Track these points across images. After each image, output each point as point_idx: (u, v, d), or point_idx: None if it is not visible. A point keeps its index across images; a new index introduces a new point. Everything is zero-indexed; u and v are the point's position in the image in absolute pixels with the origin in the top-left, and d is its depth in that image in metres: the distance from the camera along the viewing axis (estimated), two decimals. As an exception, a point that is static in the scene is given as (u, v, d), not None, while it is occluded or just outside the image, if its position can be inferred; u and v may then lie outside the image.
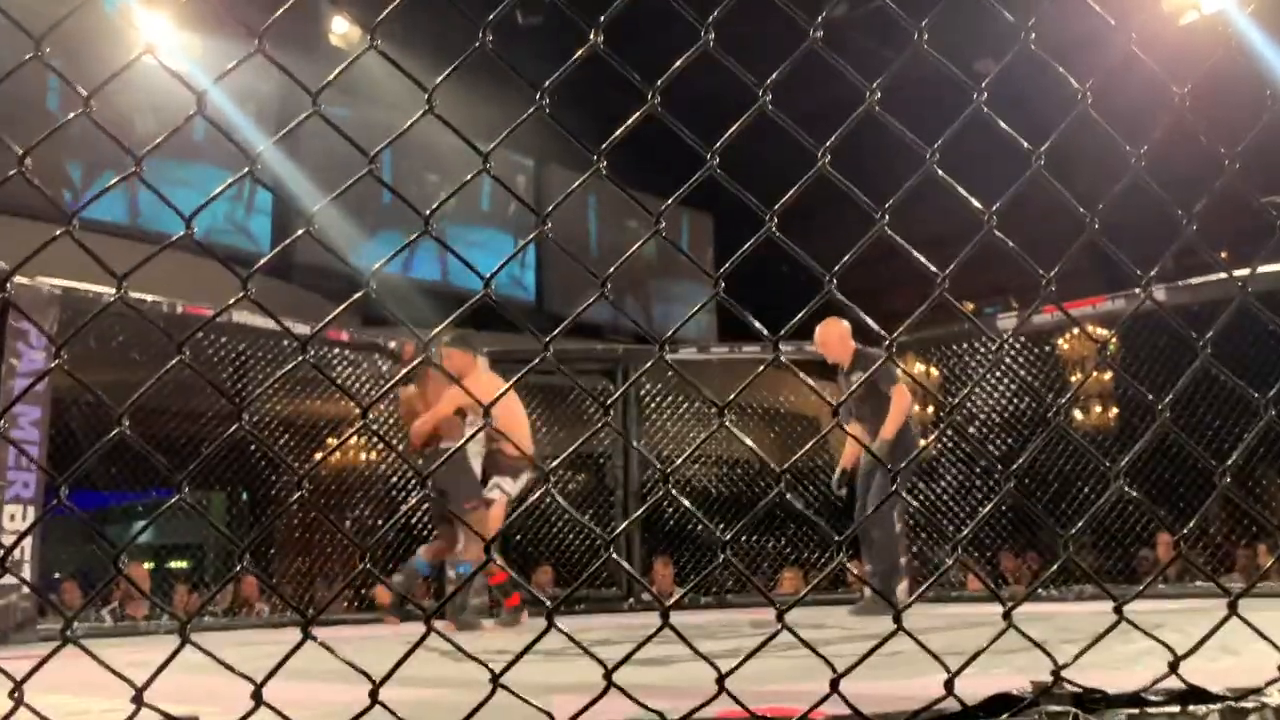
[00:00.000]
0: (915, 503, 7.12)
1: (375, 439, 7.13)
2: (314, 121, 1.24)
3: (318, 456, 6.91)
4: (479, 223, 13.88)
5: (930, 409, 7.76)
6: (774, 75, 1.30)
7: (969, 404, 7.11)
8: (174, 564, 11.26)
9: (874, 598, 4.91)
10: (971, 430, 7.11)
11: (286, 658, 1.10)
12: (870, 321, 1.34)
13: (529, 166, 14.35)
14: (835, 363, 5.48)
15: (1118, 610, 1.31)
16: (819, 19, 1.31)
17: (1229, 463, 1.45)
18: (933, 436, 7.67)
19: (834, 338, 5.38)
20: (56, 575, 7.93)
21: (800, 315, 1.38)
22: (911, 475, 5.38)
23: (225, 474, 7.28)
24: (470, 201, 13.56)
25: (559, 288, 14.48)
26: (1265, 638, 1.36)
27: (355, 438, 7.49)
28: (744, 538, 7.98)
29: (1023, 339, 7.01)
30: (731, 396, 1.31)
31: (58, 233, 1.13)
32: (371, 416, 1.20)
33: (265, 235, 11.88)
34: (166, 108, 9.33)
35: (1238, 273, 1.62)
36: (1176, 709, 1.24)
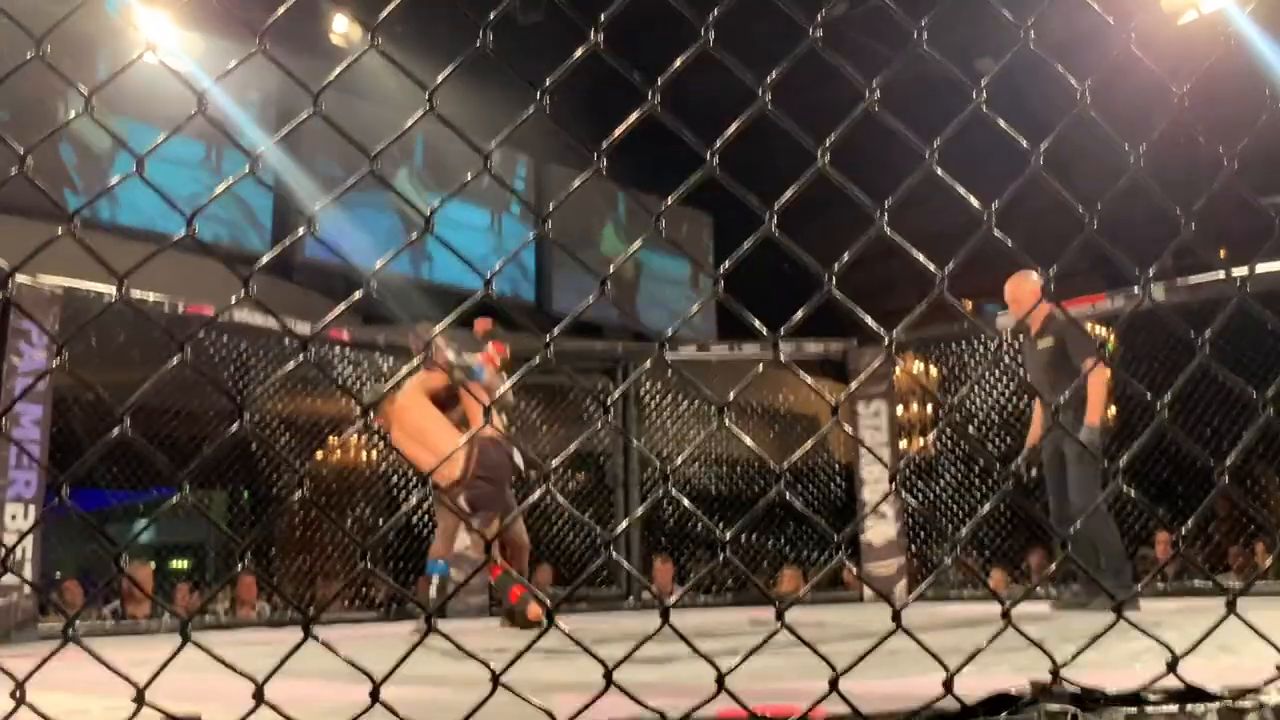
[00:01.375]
0: (914, 501, 7.14)
1: (376, 438, 7.14)
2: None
3: (319, 455, 6.92)
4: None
5: (930, 408, 7.77)
6: (774, 74, 1.30)
7: (968, 402, 7.12)
8: (175, 563, 11.27)
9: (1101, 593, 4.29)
10: (971, 429, 7.11)
11: (288, 657, 1.10)
12: (869, 320, 1.35)
13: (520, 158, 14.27)
14: (1023, 324, 4.83)
15: (1116, 609, 1.31)
16: (818, 18, 1.32)
17: (1228, 461, 1.45)
18: (930, 435, 7.67)
19: (1026, 293, 4.63)
20: (58, 574, 7.93)
21: (799, 314, 1.38)
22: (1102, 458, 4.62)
23: (226, 473, 7.29)
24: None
25: (557, 285, 14.48)
26: (1263, 637, 1.36)
27: (355, 436, 7.49)
28: (744, 537, 7.99)
29: (1022, 337, 7.01)
30: (731, 395, 1.31)
31: (59, 232, 1.13)
32: (372, 415, 1.20)
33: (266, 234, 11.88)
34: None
35: (1236, 271, 1.62)
36: (1175, 708, 1.24)
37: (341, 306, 1.38)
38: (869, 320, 1.50)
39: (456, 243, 1.20)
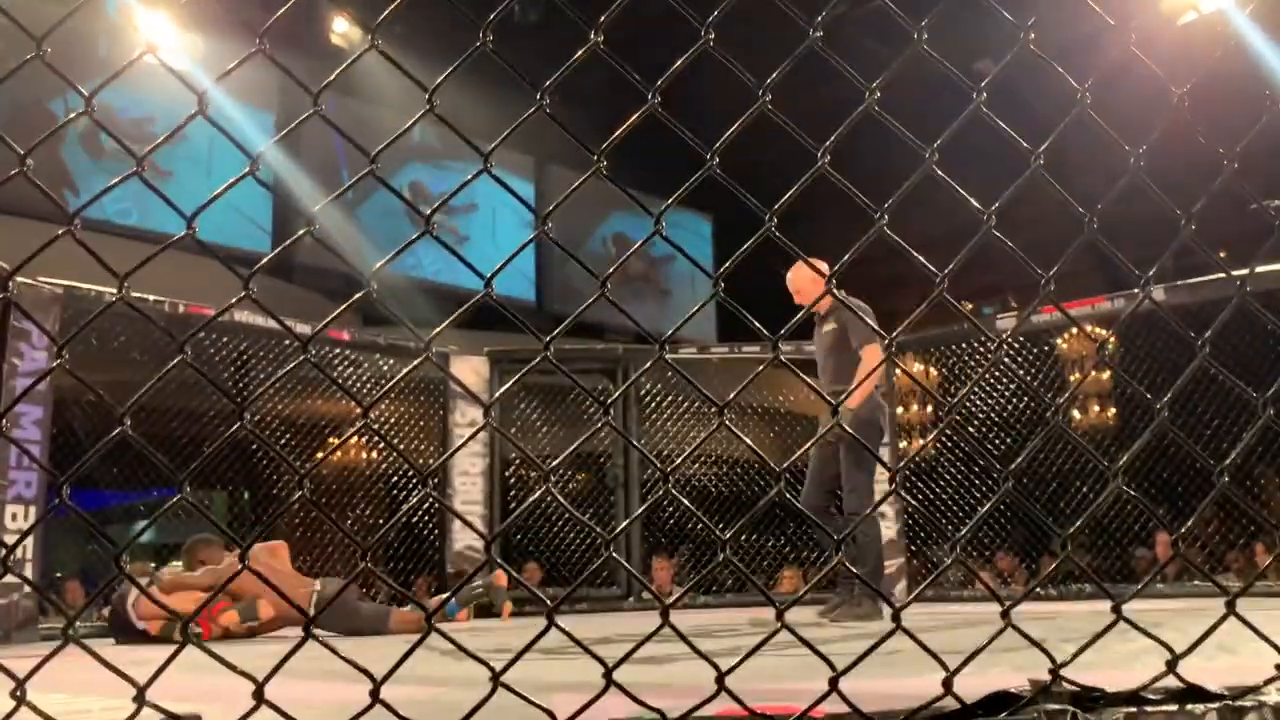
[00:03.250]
0: (914, 502, 7.13)
1: (376, 438, 7.14)
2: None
3: (319, 456, 6.92)
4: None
5: (930, 409, 7.77)
6: (774, 75, 1.30)
7: (968, 404, 7.12)
8: (176, 564, 11.25)
9: (858, 596, 4.43)
10: (970, 430, 7.11)
11: (288, 656, 1.10)
12: (869, 321, 1.35)
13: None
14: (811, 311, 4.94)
15: (1116, 609, 1.31)
16: (819, 19, 1.32)
17: (1227, 462, 1.46)
18: (931, 436, 7.67)
19: (807, 281, 4.59)
20: (59, 574, 7.94)
21: (800, 315, 1.38)
22: (876, 450, 4.67)
23: (227, 473, 7.29)
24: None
25: (557, 286, 14.49)
26: (1263, 637, 1.36)
27: (356, 437, 7.50)
28: (743, 537, 7.99)
29: (1021, 339, 7.02)
30: (731, 395, 1.31)
31: (59, 233, 1.13)
32: (372, 416, 1.20)
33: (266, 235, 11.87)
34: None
35: (1236, 272, 1.62)
36: (1174, 708, 1.24)
37: (343, 308, 1.38)
38: (869, 322, 1.50)
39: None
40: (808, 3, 1.37)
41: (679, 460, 5.78)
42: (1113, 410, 7.60)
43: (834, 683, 1.19)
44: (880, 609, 4.34)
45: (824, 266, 4.70)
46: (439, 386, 7.36)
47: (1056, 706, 1.22)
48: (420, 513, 7.24)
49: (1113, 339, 6.24)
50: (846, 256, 1.28)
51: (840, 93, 1.54)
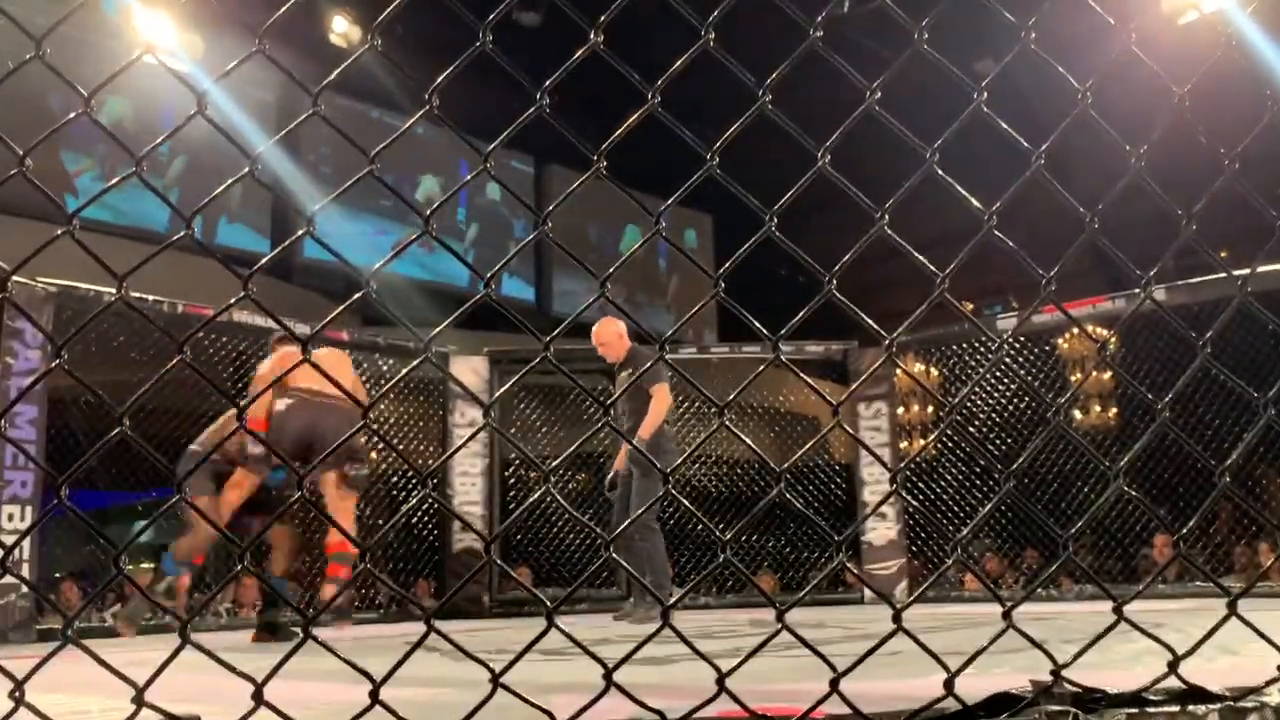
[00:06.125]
0: (915, 502, 7.13)
1: (375, 439, 7.12)
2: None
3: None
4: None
5: (930, 409, 7.77)
6: (774, 75, 1.30)
7: (969, 404, 7.11)
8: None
9: (647, 602, 5.17)
10: (971, 430, 7.11)
11: (287, 657, 1.10)
12: (869, 322, 1.34)
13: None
14: (614, 362, 5.57)
15: (1117, 610, 1.31)
16: (819, 18, 1.31)
17: (1229, 462, 1.45)
18: (932, 436, 7.67)
19: (613, 336, 5.47)
20: (57, 575, 7.92)
21: (800, 315, 1.38)
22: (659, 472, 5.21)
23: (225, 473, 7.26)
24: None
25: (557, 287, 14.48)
26: (1264, 637, 1.36)
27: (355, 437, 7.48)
28: (744, 537, 7.98)
29: (1022, 339, 7.02)
30: (732, 396, 1.31)
31: (59, 233, 1.13)
32: (372, 416, 1.20)
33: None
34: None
35: (1237, 272, 1.62)
36: (1176, 709, 1.24)
37: (341, 308, 1.38)
38: (869, 322, 1.49)
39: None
40: (808, 3, 1.37)
41: (679, 461, 5.77)
42: (1114, 410, 7.60)
43: (835, 684, 1.19)
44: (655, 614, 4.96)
45: (622, 325, 5.45)
46: (439, 387, 7.35)
47: (1058, 708, 1.22)
48: (420, 513, 7.23)
49: (1114, 339, 6.25)
50: (847, 256, 1.28)
51: (840, 93, 1.54)
